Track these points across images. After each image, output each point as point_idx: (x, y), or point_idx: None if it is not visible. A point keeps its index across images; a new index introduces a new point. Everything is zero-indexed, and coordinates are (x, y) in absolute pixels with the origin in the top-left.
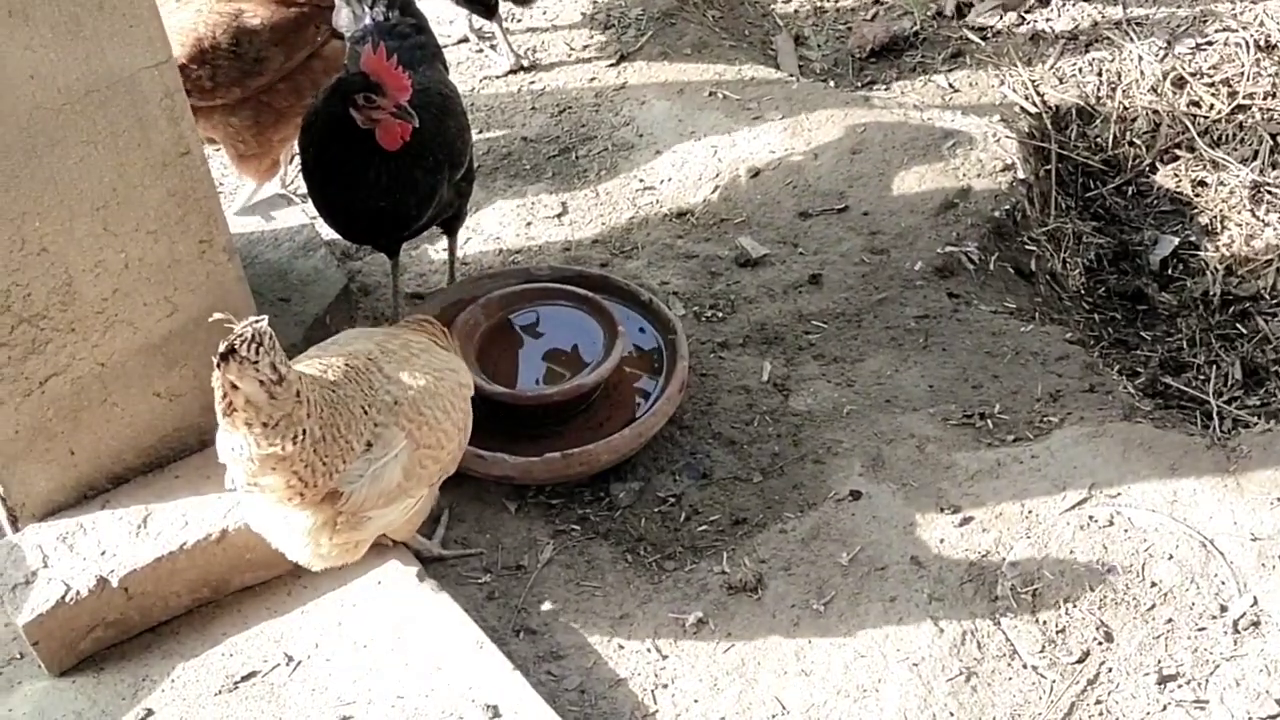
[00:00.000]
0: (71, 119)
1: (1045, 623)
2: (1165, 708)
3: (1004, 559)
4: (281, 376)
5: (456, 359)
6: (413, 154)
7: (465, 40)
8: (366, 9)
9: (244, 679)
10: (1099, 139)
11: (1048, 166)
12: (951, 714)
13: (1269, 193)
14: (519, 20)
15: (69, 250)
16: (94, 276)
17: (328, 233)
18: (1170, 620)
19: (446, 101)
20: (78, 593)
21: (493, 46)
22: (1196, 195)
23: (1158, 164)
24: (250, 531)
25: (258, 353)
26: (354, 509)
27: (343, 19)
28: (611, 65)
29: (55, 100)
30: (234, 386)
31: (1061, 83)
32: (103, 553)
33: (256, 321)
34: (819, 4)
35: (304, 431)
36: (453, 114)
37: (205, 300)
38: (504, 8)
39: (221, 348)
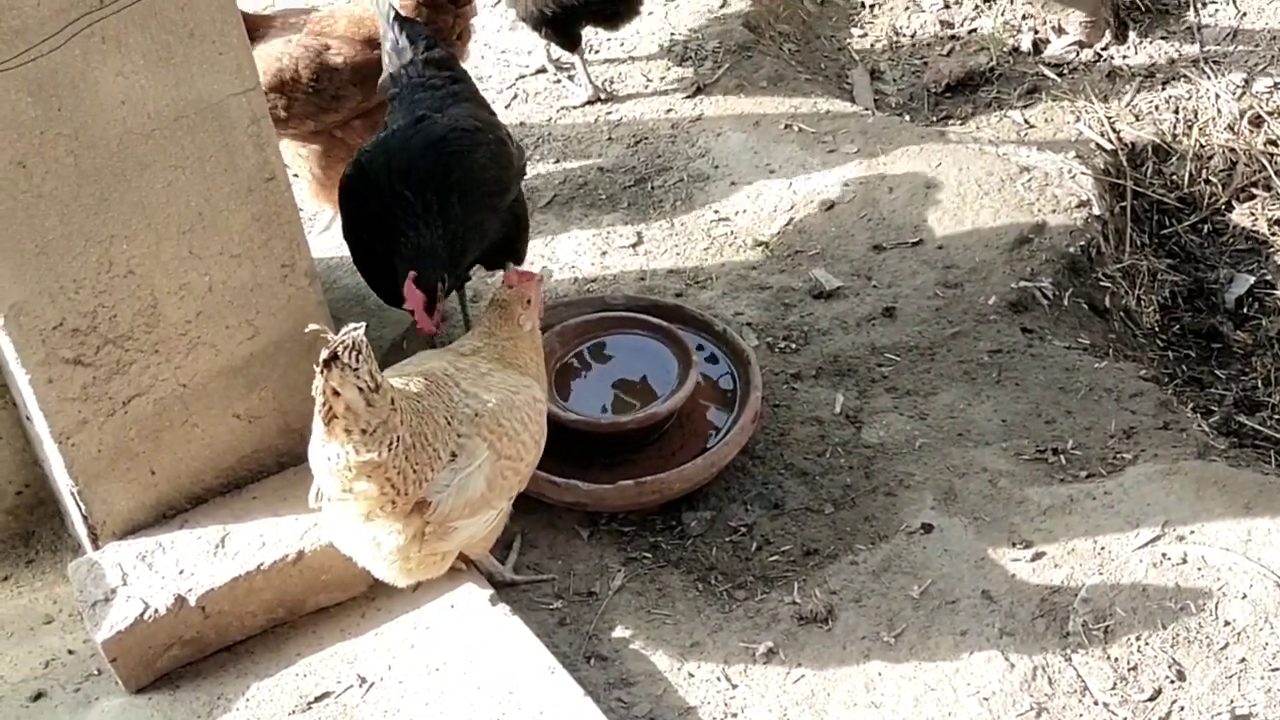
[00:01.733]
0: (160, 144)
1: (1117, 660)
2: None
3: (1076, 595)
4: (378, 384)
5: (528, 377)
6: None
7: (543, 70)
8: (403, 67)
9: (317, 699)
10: (1175, 176)
11: (1123, 203)
12: None
13: None
14: (596, 51)
15: (155, 273)
16: (178, 299)
17: None
18: (1243, 660)
19: (475, 135)
20: (156, 611)
21: (570, 77)
22: (1273, 234)
23: (1234, 202)
24: (326, 553)
25: (358, 359)
26: (441, 518)
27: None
28: (688, 97)
29: (145, 125)
30: (335, 393)
31: (1138, 120)
32: (181, 572)
33: (354, 330)
34: (895, 39)
35: (397, 439)
36: (481, 145)
37: (286, 324)
38: (585, 40)
39: (324, 354)
